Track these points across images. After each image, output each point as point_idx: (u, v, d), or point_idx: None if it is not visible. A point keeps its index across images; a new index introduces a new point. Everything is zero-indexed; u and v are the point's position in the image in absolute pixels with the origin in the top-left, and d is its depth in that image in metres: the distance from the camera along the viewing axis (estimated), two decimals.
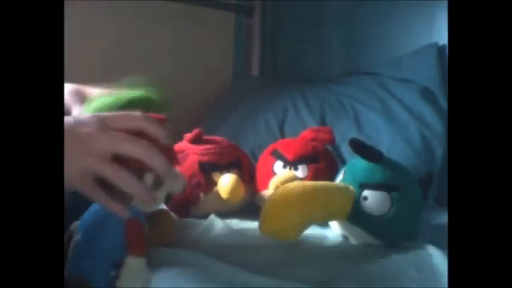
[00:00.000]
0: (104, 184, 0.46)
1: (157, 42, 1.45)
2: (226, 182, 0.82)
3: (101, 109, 0.56)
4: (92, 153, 0.45)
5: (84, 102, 0.60)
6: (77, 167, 0.45)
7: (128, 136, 0.46)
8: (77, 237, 0.50)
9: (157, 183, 0.49)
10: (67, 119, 0.45)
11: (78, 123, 0.45)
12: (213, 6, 1.54)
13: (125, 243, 0.49)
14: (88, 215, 0.51)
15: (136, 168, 0.46)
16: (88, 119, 0.46)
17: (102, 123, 0.46)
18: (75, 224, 0.53)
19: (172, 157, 0.49)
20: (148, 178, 0.48)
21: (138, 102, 0.57)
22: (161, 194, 0.51)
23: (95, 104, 0.58)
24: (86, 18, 1.24)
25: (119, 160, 0.46)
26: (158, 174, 0.48)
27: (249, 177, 0.90)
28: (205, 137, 0.90)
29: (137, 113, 0.48)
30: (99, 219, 0.50)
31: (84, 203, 0.52)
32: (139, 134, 0.47)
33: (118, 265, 0.49)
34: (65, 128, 0.43)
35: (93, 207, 0.52)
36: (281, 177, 0.83)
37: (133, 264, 0.49)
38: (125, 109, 0.55)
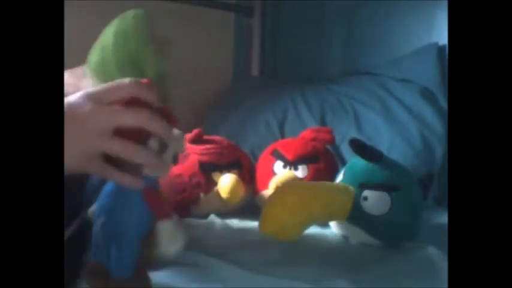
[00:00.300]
0: (111, 160, 0.46)
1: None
2: (226, 182, 0.82)
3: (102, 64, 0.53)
4: (93, 133, 0.44)
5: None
6: (82, 150, 0.44)
7: (124, 108, 0.46)
8: (100, 220, 0.50)
9: (162, 147, 0.49)
10: None
11: (71, 106, 0.44)
12: (213, 6, 1.54)
13: (150, 211, 0.49)
14: (104, 196, 0.51)
15: (139, 136, 0.46)
16: (79, 99, 0.45)
17: (94, 100, 0.45)
18: (91, 210, 0.52)
19: (169, 117, 0.49)
20: (153, 143, 0.48)
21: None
22: (168, 156, 0.51)
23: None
24: (86, 18, 1.24)
25: (120, 132, 0.45)
26: (161, 137, 0.48)
27: (249, 177, 0.90)
28: (205, 137, 0.90)
29: (125, 81, 0.47)
30: (118, 197, 0.50)
31: (95, 187, 0.52)
32: (131, 101, 0.46)
33: (146, 236, 0.49)
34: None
35: (107, 188, 0.51)
36: (281, 177, 0.83)
37: (166, 227, 0.49)
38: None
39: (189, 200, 0.84)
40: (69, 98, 0.45)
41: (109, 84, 0.47)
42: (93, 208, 0.52)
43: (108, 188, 0.51)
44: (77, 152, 0.44)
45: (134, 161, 0.46)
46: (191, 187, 0.83)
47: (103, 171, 0.46)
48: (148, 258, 0.51)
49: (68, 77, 0.61)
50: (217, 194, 0.83)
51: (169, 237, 0.49)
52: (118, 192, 0.50)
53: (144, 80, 0.49)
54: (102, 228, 0.49)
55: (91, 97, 0.45)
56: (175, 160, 0.53)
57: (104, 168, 0.46)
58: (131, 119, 0.45)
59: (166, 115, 0.48)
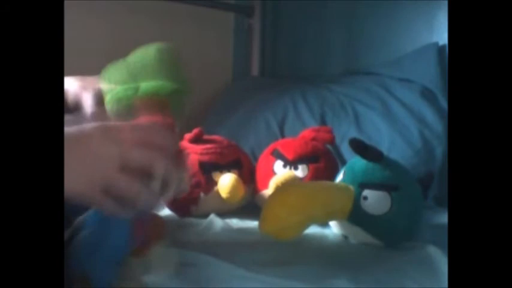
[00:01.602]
0: (109, 191, 0.46)
1: (157, 42, 1.45)
2: (226, 182, 0.82)
3: (118, 101, 0.55)
4: (100, 165, 0.45)
5: (96, 96, 0.59)
6: (85, 179, 0.44)
7: (137, 148, 0.46)
8: (84, 232, 0.50)
9: (165, 187, 0.50)
10: (70, 130, 0.44)
11: (83, 134, 0.45)
12: (213, 6, 1.54)
13: (135, 237, 0.50)
14: (93, 212, 0.52)
15: (144, 173, 0.47)
16: (94, 130, 0.46)
17: (108, 134, 0.46)
18: (80, 220, 0.53)
19: (179, 160, 0.50)
20: (156, 183, 0.48)
21: (155, 93, 0.57)
22: (166, 195, 0.52)
23: (111, 96, 0.57)
24: (86, 18, 1.24)
25: (127, 167, 0.46)
26: (165, 179, 0.49)
27: (249, 177, 0.90)
28: (205, 136, 0.90)
29: (143, 124, 0.49)
30: (106, 216, 0.50)
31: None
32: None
33: (123, 259, 0.50)
34: (70, 140, 0.43)
35: None
36: (281, 177, 0.83)
37: (157, 252, 0.51)
38: (142, 100, 0.54)
39: (189, 200, 0.84)
40: (85, 127, 0.46)
41: (127, 122, 0.49)
42: (78, 220, 0.53)
43: None
44: (80, 179, 0.44)
45: (136, 199, 0.47)
46: (191, 187, 0.83)
47: (102, 204, 0.46)
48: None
49: (75, 80, 0.62)
50: (217, 194, 0.83)
51: (160, 262, 0.50)
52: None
53: (167, 120, 0.51)
54: (85, 239, 0.50)
55: (107, 131, 0.46)
56: (179, 196, 0.54)
57: (104, 200, 0.46)
58: (141, 160, 0.46)
59: (177, 157, 0.50)
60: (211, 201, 0.84)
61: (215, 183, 0.84)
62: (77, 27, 1.17)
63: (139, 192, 0.46)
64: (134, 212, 0.48)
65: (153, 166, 0.46)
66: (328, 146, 0.94)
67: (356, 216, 0.68)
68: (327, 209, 0.67)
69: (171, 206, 0.86)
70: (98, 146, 0.45)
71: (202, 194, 0.84)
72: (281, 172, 0.86)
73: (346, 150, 1.06)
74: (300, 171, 0.85)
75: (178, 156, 0.50)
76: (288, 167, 0.86)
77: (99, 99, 0.60)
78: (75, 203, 0.47)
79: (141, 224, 0.51)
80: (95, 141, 0.45)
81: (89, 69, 1.20)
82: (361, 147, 0.69)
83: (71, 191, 0.43)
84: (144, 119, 0.53)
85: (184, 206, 0.84)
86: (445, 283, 0.56)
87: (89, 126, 0.46)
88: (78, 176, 0.44)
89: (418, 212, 0.71)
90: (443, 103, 1.09)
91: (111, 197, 0.46)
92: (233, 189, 0.82)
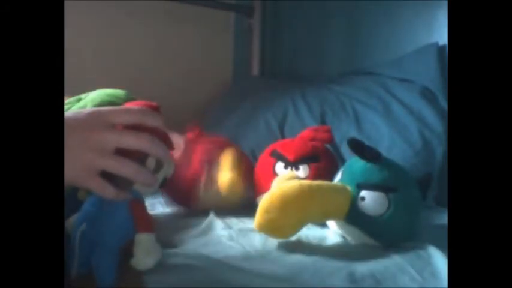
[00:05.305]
0: (106, 173, 0.47)
1: (157, 42, 1.45)
2: (226, 180, 0.83)
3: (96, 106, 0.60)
4: (96, 151, 0.46)
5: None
6: (83, 165, 0.45)
7: (130, 131, 0.47)
8: (82, 228, 0.50)
9: (158, 167, 0.51)
10: (66, 116, 0.45)
11: (79, 120, 0.46)
12: (213, 6, 1.54)
13: (133, 222, 0.50)
14: (89, 205, 0.52)
15: (138, 154, 0.49)
16: (87, 115, 0.46)
17: (102, 119, 0.46)
18: (69, 221, 0.53)
19: (168, 142, 0.53)
20: (150, 162, 0.50)
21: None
22: (160, 176, 0.53)
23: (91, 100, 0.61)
24: (85, 18, 1.24)
25: (121, 150, 0.47)
26: (159, 159, 0.51)
27: (249, 176, 0.90)
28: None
29: (135, 107, 0.50)
30: (102, 205, 0.51)
31: (73, 200, 0.53)
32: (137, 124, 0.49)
33: (126, 247, 0.50)
34: (66, 126, 0.44)
35: (92, 198, 0.52)
36: (286, 177, 0.83)
37: (145, 240, 0.50)
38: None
39: (189, 195, 0.84)
40: (78, 114, 0.47)
41: (120, 107, 0.50)
42: (68, 221, 0.53)
43: (93, 197, 0.51)
44: (78, 166, 0.45)
45: (133, 180, 0.49)
46: (192, 180, 0.84)
47: (100, 189, 0.47)
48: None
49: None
50: (217, 191, 0.84)
51: (144, 251, 0.50)
52: (104, 201, 0.50)
53: (153, 104, 0.52)
54: (83, 236, 0.50)
55: (99, 116, 0.47)
56: (163, 183, 0.55)
57: (102, 185, 0.47)
58: (135, 143, 0.47)
59: (166, 139, 0.52)
60: (210, 198, 0.85)
61: (216, 181, 0.85)
62: (77, 27, 1.17)
63: (137, 171, 0.47)
64: (132, 194, 0.50)
65: (147, 148, 0.48)
66: (329, 146, 0.94)
67: (353, 216, 0.68)
68: (323, 208, 0.67)
69: (173, 197, 0.87)
70: (92, 135, 0.45)
71: (202, 187, 0.84)
72: (284, 173, 0.85)
73: (346, 150, 1.06)
74: (302, 172, 0.85)
75: (165, 137, 0.52)
76: (289, 168, 0.86)
77: None
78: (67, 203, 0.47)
79: (140, 208, 0.52)
80: (90, 127, 0.46)
81: (89, 68, 1.20)
82: (359, 148, 0.69)
83: (68, 178, 0.44)
84: (133, 104, 0.54)
85: (185, 195, 0.85)
86: (445, 283, 0.56)
87: (81, 114, 0.47)
88: (75, 162, 0.45)
89: (415, 214, 0.70)
90: (443, 103, 1.09)
91: (108, 181, 0.47)
92: (233, 187, 0.82)
